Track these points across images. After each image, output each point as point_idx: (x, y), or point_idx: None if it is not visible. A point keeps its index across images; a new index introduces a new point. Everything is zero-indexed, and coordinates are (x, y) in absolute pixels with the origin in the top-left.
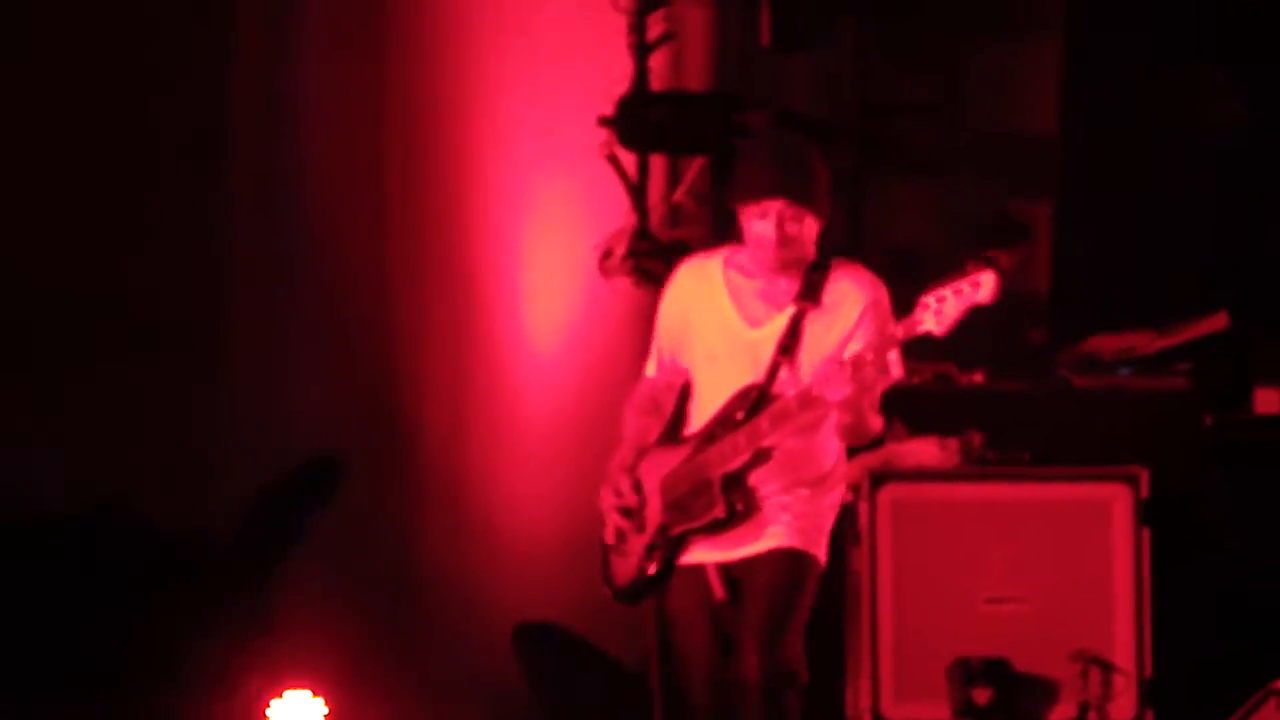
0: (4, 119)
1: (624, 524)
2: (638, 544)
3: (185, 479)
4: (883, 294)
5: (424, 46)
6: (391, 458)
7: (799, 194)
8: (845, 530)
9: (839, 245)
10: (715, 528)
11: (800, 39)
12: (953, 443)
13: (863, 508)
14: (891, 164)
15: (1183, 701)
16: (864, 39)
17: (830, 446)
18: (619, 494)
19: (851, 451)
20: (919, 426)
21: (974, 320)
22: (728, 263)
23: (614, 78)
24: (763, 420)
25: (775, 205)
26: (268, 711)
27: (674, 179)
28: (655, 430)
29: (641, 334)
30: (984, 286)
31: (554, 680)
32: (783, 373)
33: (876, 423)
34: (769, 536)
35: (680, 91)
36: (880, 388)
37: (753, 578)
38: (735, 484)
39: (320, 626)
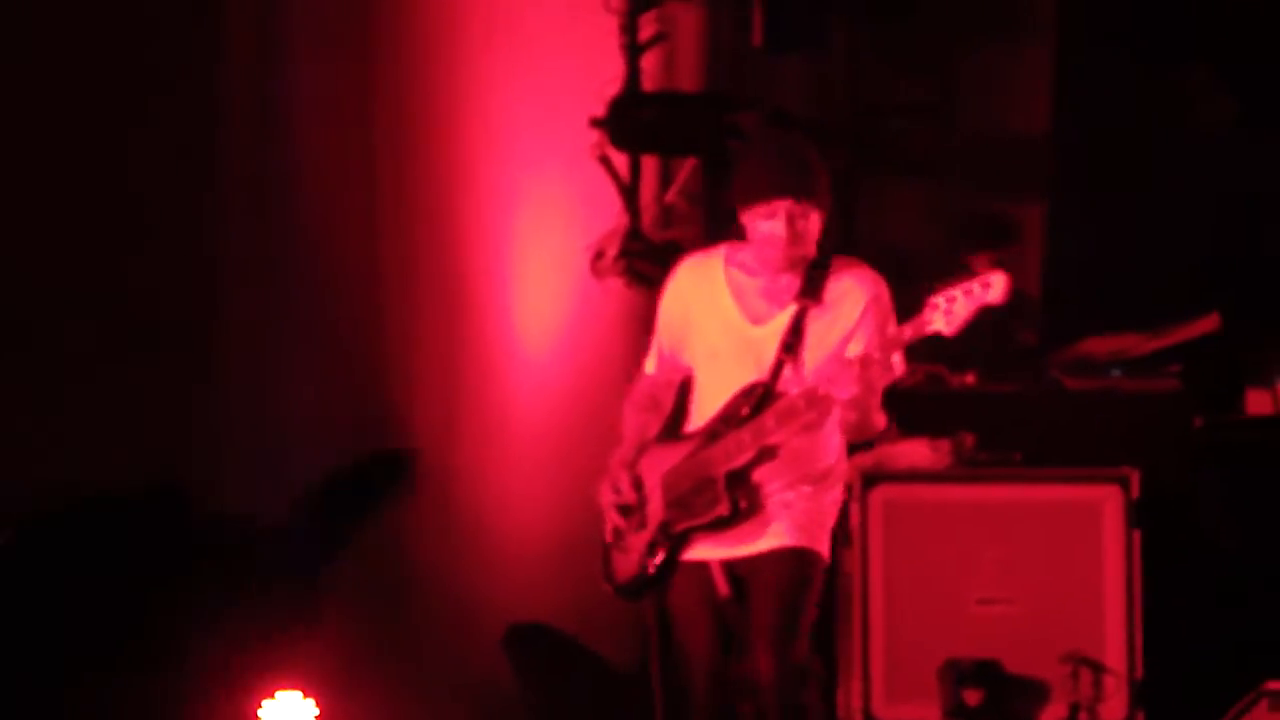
0: None
1: (622, 522)
2: (639, 541)
3: (181, 479)
4: (883, 291)
5: (415, 47)
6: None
7: (805, 192)
8: (837, 531)
9: (832, 246)
10: (718, 525)
11: (792, 39)
12: (944, 444)
13: (854, 509)
14: (884, 165)
15: (1174, 703)
16: (856, 40)
17: (832, 443)
18: (618, 491)
19: (851, 449)
20: (911, 427)
21: None
22: (728, 261)
23: (606, 78)
24: (768, 418)
25: (784, 204)
26: (259, 712)
27: (666, 180)
28: (655, 427)
29: (634, 335)
30: (995, 287)
31: (545, 681)
32: (786, 370)
33: (880, 419)
34: (773, 535)
35: (672, 92)
36: (883, 384)
37: (759, 577)
38: (739, 481)
39: (311, 627)
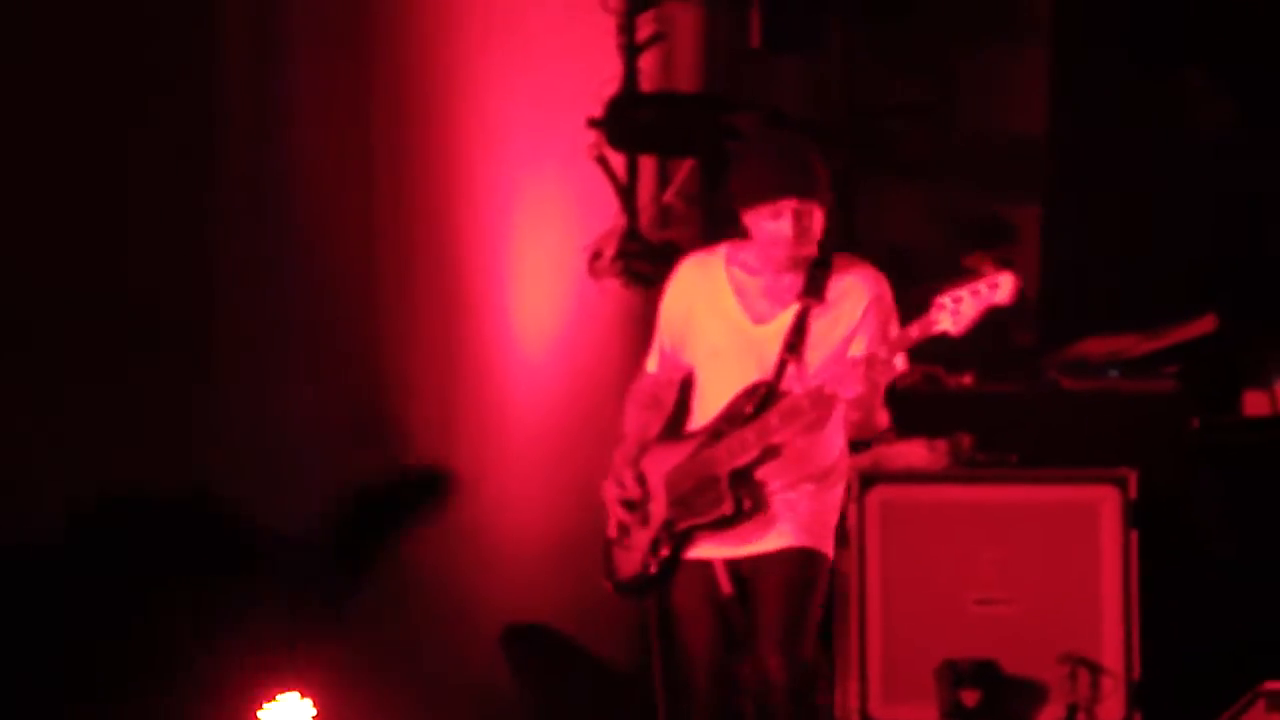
0: None
1: (627, 517)
2: (642, 538)
3: (177, 480)
4: (885, 289)
5: (412, 47)
6: (379, 460)
7: (810, 190)
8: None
9: (833, 244)
10: (722, 524)
11: (790, 40)
12: (941, 444)
13: (851, 509)
14: (881, 165)
15: (1171, 703)
16: (853, 40)
17: (834, 442)
18: (622, 486)
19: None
20: (908, 428)
21: None
22: (730, 260)
23: (603, 79)
24: (772, 417)
25: (789, 204)
26: (258, 714)
27: (663, 180)
28: (657, 425)
29: (631, 335)
30: (1002, 288)
31: (542, 681)
32: (790, 369)
33: (884, 418)
34: (777, 535)
35: (670, 93)
36: (886, 382)
37: (764, 578)
38: (742, 480)
39: (310, 629)
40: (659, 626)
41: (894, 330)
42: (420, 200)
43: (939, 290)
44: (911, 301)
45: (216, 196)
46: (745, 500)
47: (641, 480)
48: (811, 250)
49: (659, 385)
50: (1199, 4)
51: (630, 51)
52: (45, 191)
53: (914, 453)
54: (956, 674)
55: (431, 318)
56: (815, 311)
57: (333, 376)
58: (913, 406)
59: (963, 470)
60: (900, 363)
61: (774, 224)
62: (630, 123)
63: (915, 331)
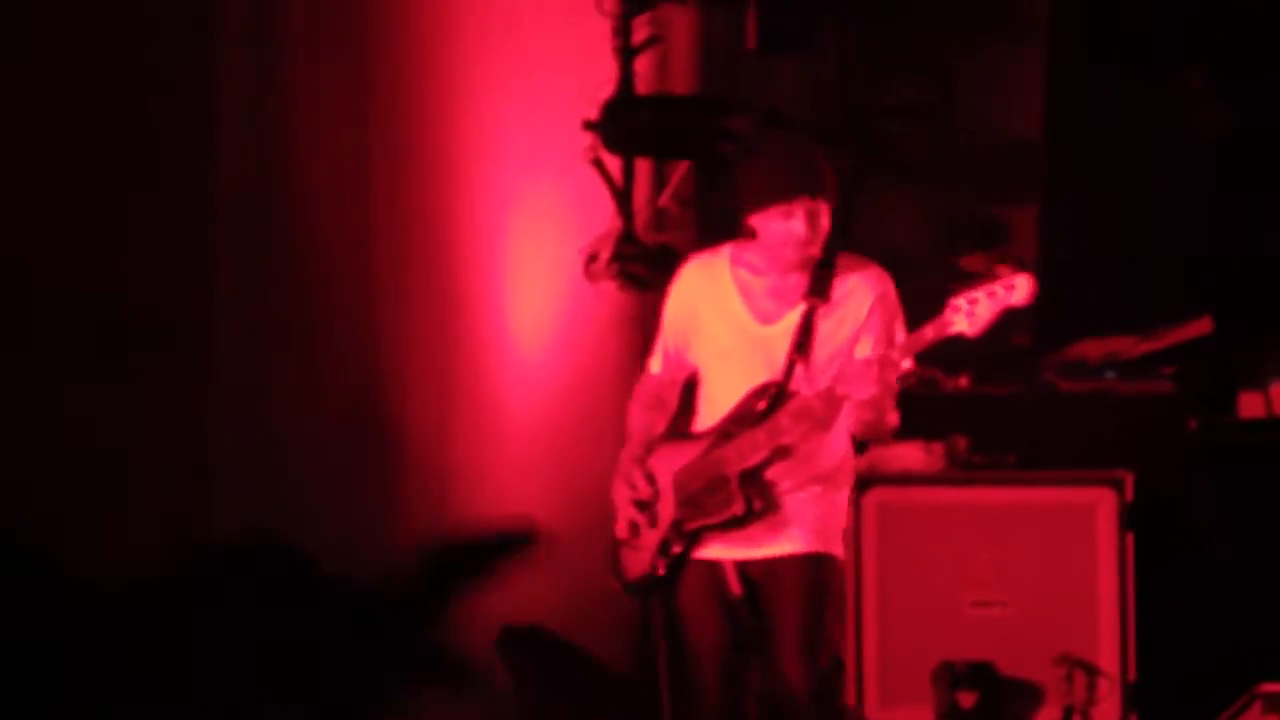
0: None
1: (640, 517)
2: (650, 539)
3: (174, 480)
4: (889, 289)
5: (409, 49)
6: (376, 461)
7: (821, 190)
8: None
9: (837, 244)
10: (732, 524)
11: (786, 42)
12: (938, 447)
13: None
14: (878, 167)
15: (1167, 705)
16: (850, 42)
17: (840, 443)
18: (633, 486)
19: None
20: (904, 430)
21: None
22: (734, 260)
23: (599, 81)
24: (783, 417)
25: (803, 204)
26: None
27: (659, 183)
28: (661, 425)
29: (627, 337)
30: (1019, 289)
31: (539, 682)
32: (798, 370)
33: (894, 418)
34: (789, 540)
35: (665, 95)
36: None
37: (777, 585)
38: (753, 481)
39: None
40: (665, 627)
41: (899, 330)
42: (417, 202)
43: (952, 291)
44: (912, 302)
45: (215, 197)
46: (756, 500)
47: (650, 480)
48: (819, 250)
49: (662, 385)
50: (1197, 5)
51: (626, 54)
52: (42, 191)
53: (910, 455)
54: (953, 676)
55: (428, 319)
56: (821, 311)
57: (329, 376)
58: (909, 408)
59: (959, 472)
60: (906, 363)
61: (786, 225)
62: (626, 125)
63: (930, 333)
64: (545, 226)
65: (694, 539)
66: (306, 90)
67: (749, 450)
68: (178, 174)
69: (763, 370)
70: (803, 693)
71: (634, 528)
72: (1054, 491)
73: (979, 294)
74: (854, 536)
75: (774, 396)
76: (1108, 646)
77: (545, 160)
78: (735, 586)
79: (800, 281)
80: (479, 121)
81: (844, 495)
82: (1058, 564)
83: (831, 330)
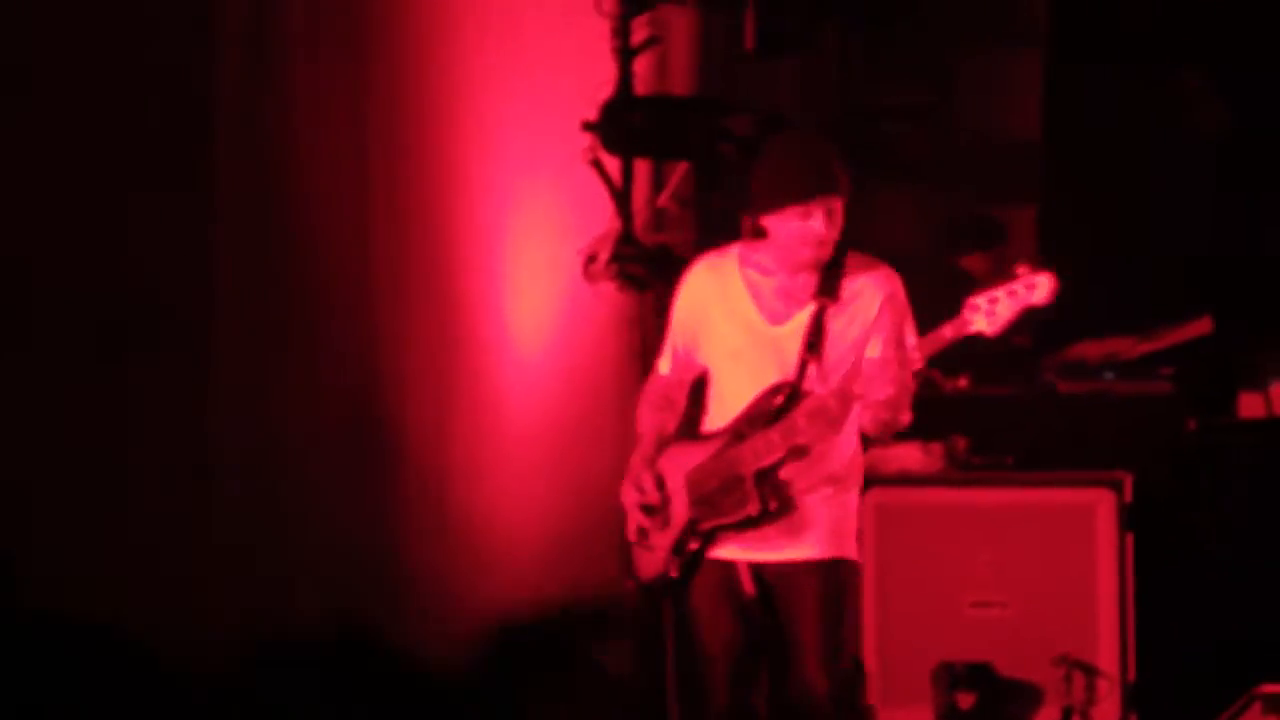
0: None
1: (646, 521)
2: (663, 539)
3: (174, 480)
4: (898, 287)
5: (408, 49)
6: (375, 460)
7: (838, 189)
8: None
9: (846, 244)
10: (747, 524)
11: (784, 43)
12: (937, 447)
13: None
14: (877, 168)
15: (1166, 706)
16: (849, 43)
17: (850, 442)
18: (641, 490)
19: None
20: (903, 431)
21: None
22: (743, 261)
23: (598, 82)
24: (798, 417)
25: (822, 203)
26: None
27: (658, 183)
28: (672, 425)
29: (625, 338)
30: (1040, 288)
31: (536, 682)
32: (810, 369)
33: (907, 416)
34: (805, 545)
35: (664, 96)
36: (914, 382)
37: (796, 592)
38: (768, 480)
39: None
40: (675, 627)
41: (909, 330)
42: (416, 202)
43: (966, 292)
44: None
45: (214, 197)
46: (771, 500)
47: (660, 482)
48: (833, 249)
49: (670, 386)
50: (1195, 6)
51: (625, 55)
52: (41, 192)
53: (909, 456)
54: (952, 676)
55: (427, 319)
56: (831, 311)
57: (328, 377)
58: None
59: (958, 473)
60: (918, 359)
61: (804, 224)
62: (625, 126)
63: (949, 332)
64: (544, 227)
65: (709, 539)
66: (306, 90)
67: (764, 450)
68: (178, 174)
69: (773, 370)
70: (824, 699)
71: (642, 531)
72: (1053, 492)
73: (999, 293)
74: None
75: (788, 396)
76: (1107, 647)
77: (544, 161)
78: (749, 587)
79: (809, 281)
80: (478, 122)
81: (854, 496)
82: (1057, 565)
83: (842, 330)
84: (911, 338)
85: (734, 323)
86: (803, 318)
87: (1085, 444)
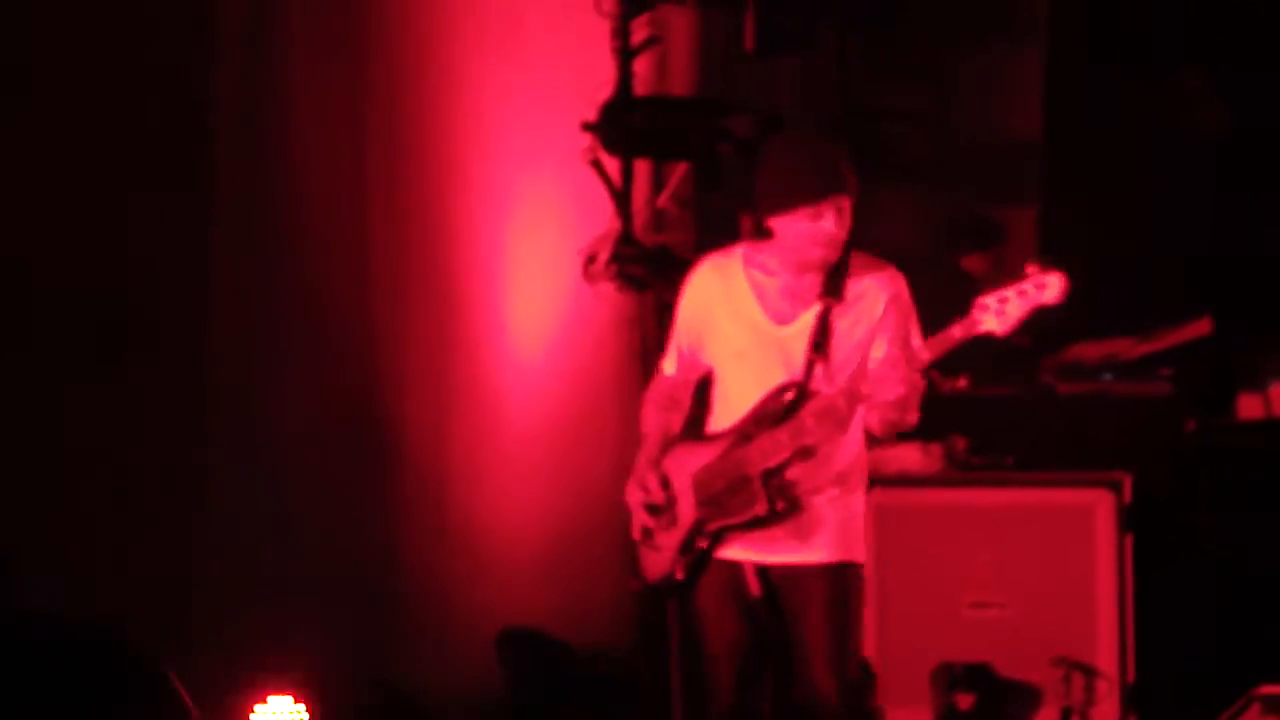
0: None
1: (651, 521)
2: (670, 540)
3: (174, 480)
4: (902, 287)
5: (407, 50)
6: (374, 461)
7: (848, 188)
8: None
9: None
10: (755, 524)
11: (784, 44)
12: (936, 448)
13: None
14: (877, 169)
15: (1166, 707)
16: (848, 44)
17: (855, 442)
18: (645, 490)
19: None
20: (902, 432)
21: None
22: (748, 262)
23: (597, 82)
24: (807, 417)
25: (834, 202)
26: (250, 717)
27: (658, 184)
28: (677, 425)
29: (625, 338)
30: (1051, 288)
31: (536, 685)
32: (818, 369)
33: (914, 416)
34: (813, 549)
35: (664, 96)
36: (923, 381)
37: (804, 596)
38: (776, 481)
39: (302, 631)
40: (679, 628)
41: (915, 330)
42: (415, 203)
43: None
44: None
45: (213, 197)
46: (779, 501)
47: (665, 482)
48: (842, 249)
49: (675, 386)
50: (1195, 6)
51: (625, 55)
52: (39, 192)
53: (909, 456)
54: (951, 677)
55: (426, 319)
56: (837, 311)
57: (326, 378)
58: None
59: (957, 474)
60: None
61: (815, 225)
62: (625, 126)
63: (958, 332)
64: (544, 227)
65: (716, 540)
66: (305, 91)
67: (771, 450)
68: (177, 174)
69: (779, 370)
70: (833, 703)
71: (646, 530)
72: (1052, 493)
73: (1009, 292)
74: None
75: (795, 397)
76: (1106, 648)
77: (544, 161)
78: (754, 587)
79: (814, 282)
80: (477, 122)
81: (860, 498)
82: (1056, 565)
83: (848, 329)
84: (917, 337)
85: (739, 323)
86: (808, 318)
87: (1084, 445)
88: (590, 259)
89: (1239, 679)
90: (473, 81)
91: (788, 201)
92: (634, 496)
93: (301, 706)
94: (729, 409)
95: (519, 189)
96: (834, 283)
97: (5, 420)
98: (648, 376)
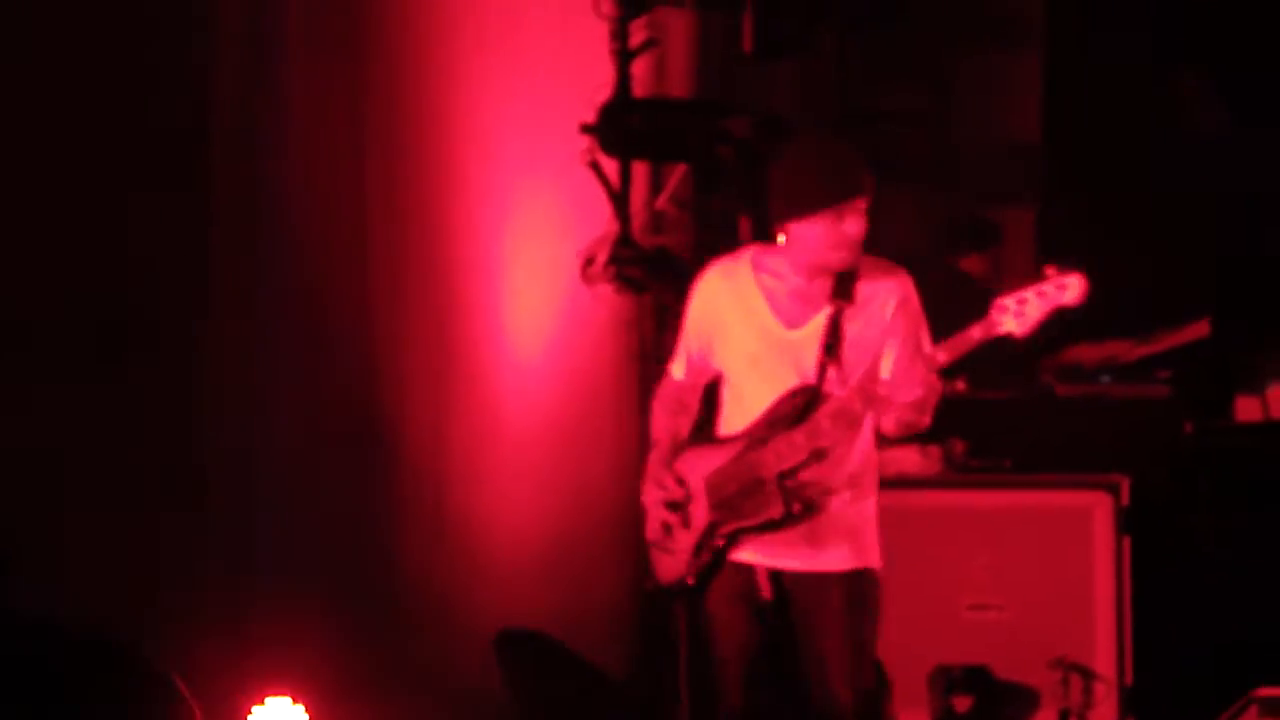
0: None
1: (671, 518)
2: (685, 542)
3: (173, 481)
4: (911, 290)
5: (406, 51)
6: (373, 462)
7: (870, 189)
8: None
9: None
10: (770, 527)
11: (783, 46)
12: (934, 450)
13: None
14: (876, 170)
15: (1164, 709)
16: (847, 46)
17: (867, 444)
18: (664, 489)
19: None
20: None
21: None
22: (756, 266)
23: (596, 84)
24: (823, 419)
25: (858, 204)
26: (248, 718)
27: (656, 186)
28: (686, 428)
29: (623, 340)
30: (1071, 289)
31: (534, 687)
32: (830, 372)
33: (928, 418)
34: (827, 556)
35: (663, 98)
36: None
37: (817, 602)
38: (791, 483)
39: (301, 632)
40: (688, 631)
41: (925, 333)
42: (414, 204)
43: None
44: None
45: (212, 198)
46: (795, 503)
47: (681, 483)
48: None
49: (683, 390)
50: (1193, 6)
51: (623, 57)
52: (38, 193)
53: (907, 458)
54: (949, 679)
55: (425, 321)
56: (848, 314)
57: (325, 380)
58: None
59: (956, 476)
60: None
61: (838, 228)
62: (623, 128)
63: (977, 333)
64: (542, 229)
65: (731, 542)
66: (304, 91)
67: (788, 452)
68: (176, 174)
69: (791, 374)
70: (847, 711)
71: (667, 528)
72: (1050, 495)
73: (1028, 294)
74: None
75: (808, 400)
76: (1104, 650)
77: (542, 162)
78: (766, 591)
79: (824, 285)
80: (476, 123)
81: (873, 501)
82: (1054, 568)
83: (859, 332)
84: (926, 340)
85: (750, 328)
86: (819, 321)
87: (1082, 447)
88: (588, 261)
89: (1237, 681)
90: (472, 83)
91: (811, 205)
92: (652, 496)
93: (300, 708)
94: (741, 413)
95: (518, 190)
96: (844, 286)
97: (5, 420)
98: (646, 378)
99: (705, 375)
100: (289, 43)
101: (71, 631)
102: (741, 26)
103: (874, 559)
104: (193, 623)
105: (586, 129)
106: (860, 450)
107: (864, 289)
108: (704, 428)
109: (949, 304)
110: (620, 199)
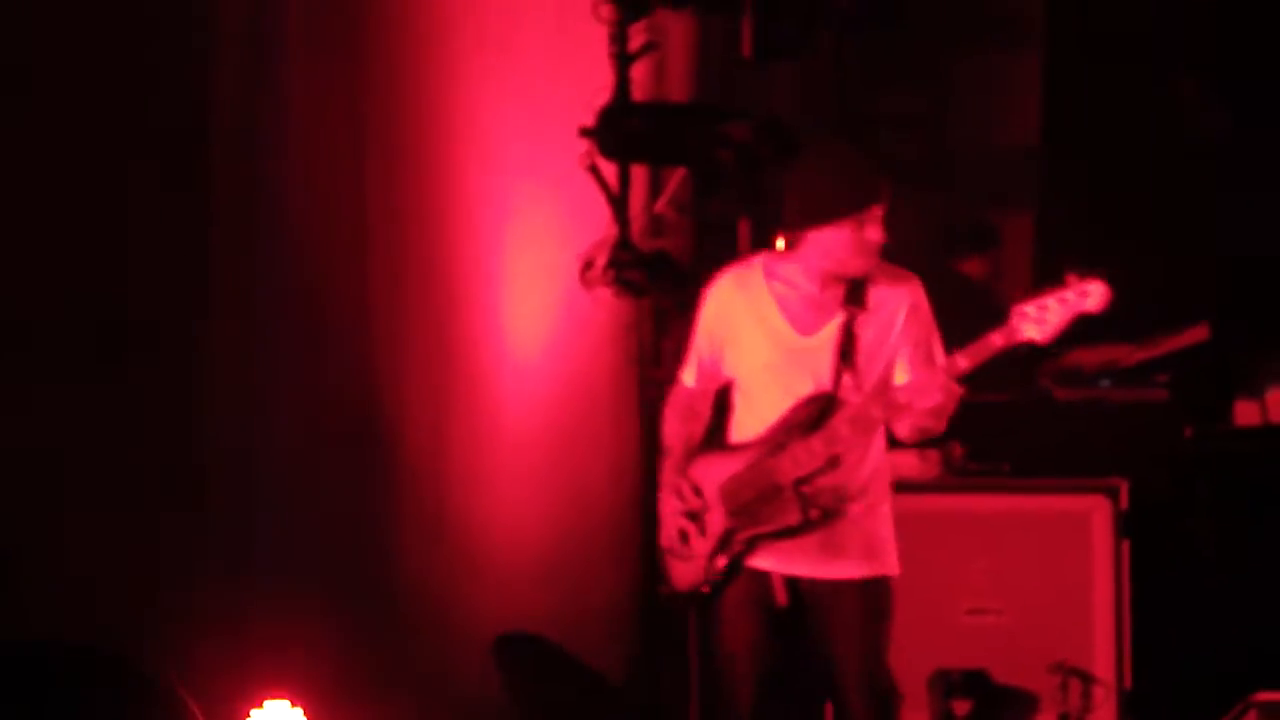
0: None
1: (691, 527)
2: (701, 548)
3: (172, 482)
4: (921, 296)
5: (406, 54)
6: (372, 464)
7: (889, 193)
8: None
9: None
10: (787, 533)
11: (782, 49)
12: (933, 454)
13: None
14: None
15: (1163, 713)
16: (846, 49)
17: (879, 449)
18: (681, 497)
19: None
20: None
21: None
22: (769, 274)
23: (595, 88)
24: (840, 425)
25: (877, 210)
26: None
27: (655, 189)
28: (699, 434)
29: (622, 344)
30: (1093, 296)
31: (533, 691)
32: (846, 379)
33: (944, 423)
34: (843, 563)
35: (662, 102)
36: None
37: (833, 610)
38: (808, 489)
39: (300, 634)
40: (700, 637)
41: (936, 339)
42: (413, 206)
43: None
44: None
45: (211, 199)
46: (812, 509)
47: (697, 491)
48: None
49: (695, 397)
50: (1193, 11)
51: (622, 61)
52: (38, 193)
53: (905, 462)
54: (948, 684)
55: (424, 325)
56: (861, 320)
57: (324, 382)
58: None
59: (954, 480)
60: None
61: (859, 234)
62: (622, 132)
63: (998, 340)
64: (541, 232)
65: (748, 548)
66: (303, 92)
67: (805, 458)
68: (175, 174)
69: (806, 381)
70: (863, 719)
71: (684, 536)
72: (1049, 499)
73: (1049, 300)
74: None
75: (824, 406)
76: (1103, 654)
77: (541, 166)
78: (781, 597)
79: (837, 292)
80: (475, 126)
81: (887, 507)
82: (1053, 572)
83: (872, 338)
84: (938, 345)
85: (764, 335)
86: (832, 328)
87: (1082, 451)
88: (587, 264)
89: (1236, 686)
90: (471, 85)
91: (833, 213)
92: (669, 505)
93: (299, 711)
94: (754, 419)
95: (517, 194)
96: (856, 293)
97: (5, 420)
98: (645, 382)
99: (717, 382)
100: (289, 43)
101: (70, 639)
102: (741, 30)
103: (891, 566)
104: (192, 623)
105: (586, 132)
106: (873, 456)
107: (875, 295)
108: (713, 434)
109: (949, 306)
110: (619, 203)
